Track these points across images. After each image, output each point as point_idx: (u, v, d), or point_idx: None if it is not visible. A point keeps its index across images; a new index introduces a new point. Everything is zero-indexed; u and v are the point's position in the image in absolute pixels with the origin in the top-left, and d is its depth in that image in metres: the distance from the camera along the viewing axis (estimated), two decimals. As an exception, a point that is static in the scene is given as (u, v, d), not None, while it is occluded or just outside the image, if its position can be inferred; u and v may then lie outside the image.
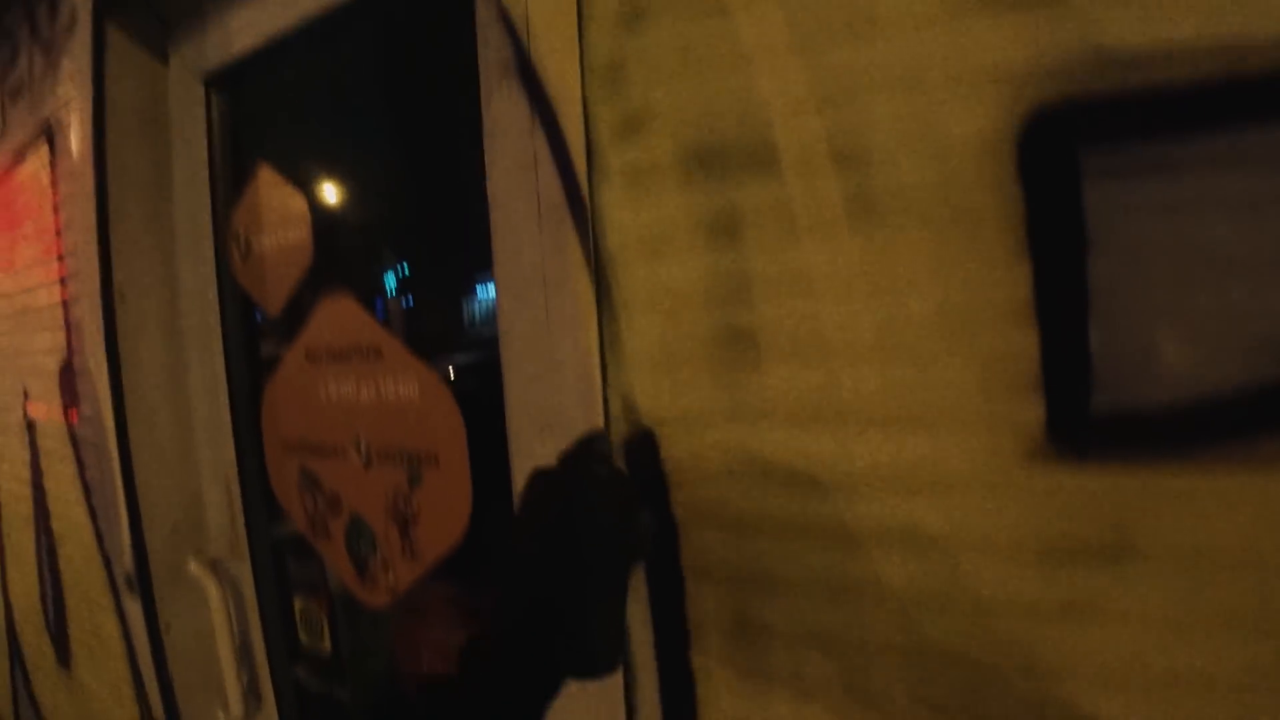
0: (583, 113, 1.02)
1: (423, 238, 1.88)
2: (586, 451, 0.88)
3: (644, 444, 0.99)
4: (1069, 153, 0.80)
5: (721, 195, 0.94)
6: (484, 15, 1.11)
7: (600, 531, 0.80)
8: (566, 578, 0.77)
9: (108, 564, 2.23)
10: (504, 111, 1.08)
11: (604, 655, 0.83)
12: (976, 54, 0.83)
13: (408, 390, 1.46)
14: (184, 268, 2.00)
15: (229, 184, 1.94)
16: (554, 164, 1.04)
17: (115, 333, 1.97)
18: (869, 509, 0.89)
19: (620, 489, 0.87)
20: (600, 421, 1.02)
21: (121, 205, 1.96)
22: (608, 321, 1.03)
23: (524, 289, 1.08)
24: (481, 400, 1.28)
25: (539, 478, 0.83)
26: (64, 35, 2.21)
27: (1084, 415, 0.79)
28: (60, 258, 2.29)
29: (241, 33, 1.79)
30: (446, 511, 1.41)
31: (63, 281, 2.26)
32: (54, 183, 2.29)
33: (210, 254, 1.96)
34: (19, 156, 2.58)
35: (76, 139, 2.06)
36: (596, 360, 1.02)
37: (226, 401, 1.97)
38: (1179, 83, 0.74)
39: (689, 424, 0.98)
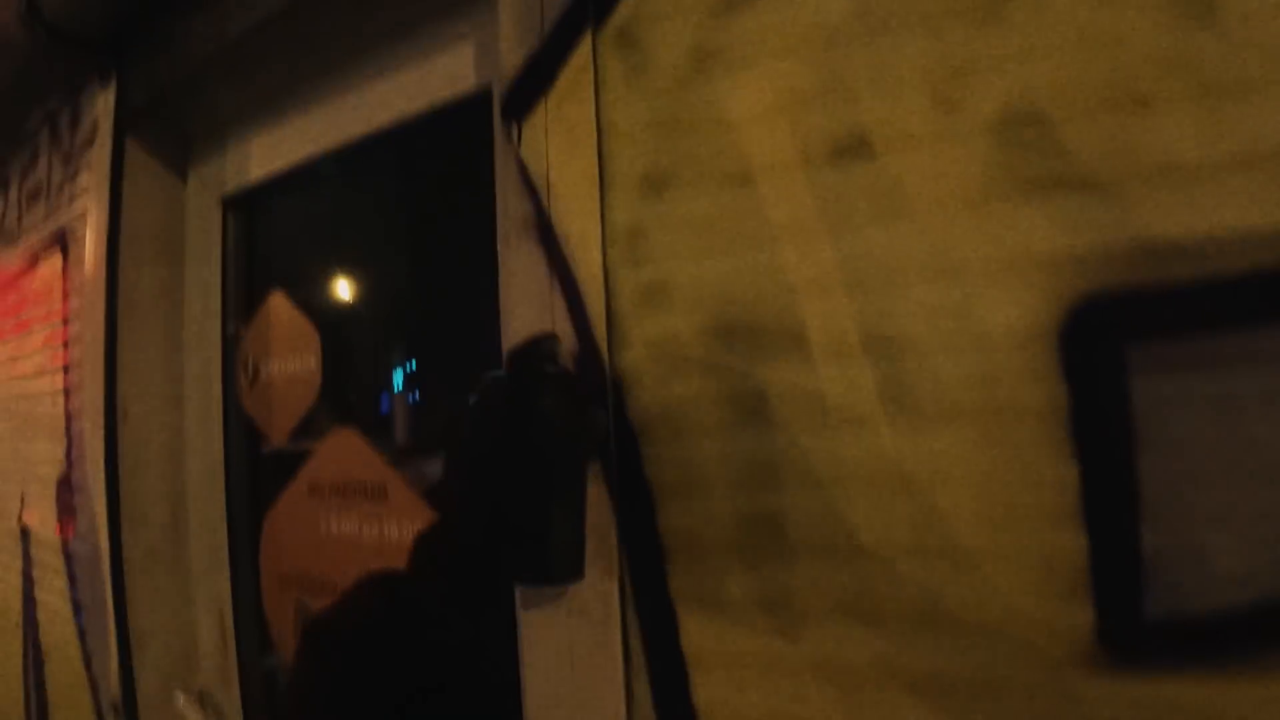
0: (603, 278, 0.99)
1: (433, 370, 1.85)
2: (535, 351, 0.85)
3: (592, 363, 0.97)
4: (1115, 346, 0.77)
5: (748, 375, 0.91)
6: (503, 169, 1.10)
7: (550, 428, 0.79)
8: (518, 476, 0.74)
9: (94, 687, 2.14)
10: (521, 267, 1.05)
11: (561, 561, 0.82)
12: (1015, 241, 0.80)
13: (412, 533, 1.40)
14: (190, 390, 1.97)
15: (241, 307, 1.92)
16: (572, 328, 1.00)
17: (116, 451, 1.93)
18: (910, 715, 0.83)
19: (569, 386, 0.85)
20: (618, 612, 0.96)
21: (130, 323, 1.94)
22: (624, 500, 0.98)
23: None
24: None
25: (489, 381, 0.80)
26: (84, 146, 2.23)
27: (1135, 620, 0.74)
28: (66, 368, 2.26)
29: (263, 157, 1.81)
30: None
31: (67, 393, 2.23)
32: (65, 293, 2.28)
33: (218, 377, 1.93)
34: (33, 261, 2.58)
35: (90, 253, 2.06)
36: (614, 544, 0.96)
37: (225, 528, 1.91)
38: (1228, 274, 0.71)
39: (711, 612, 0.93)
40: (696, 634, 0.94)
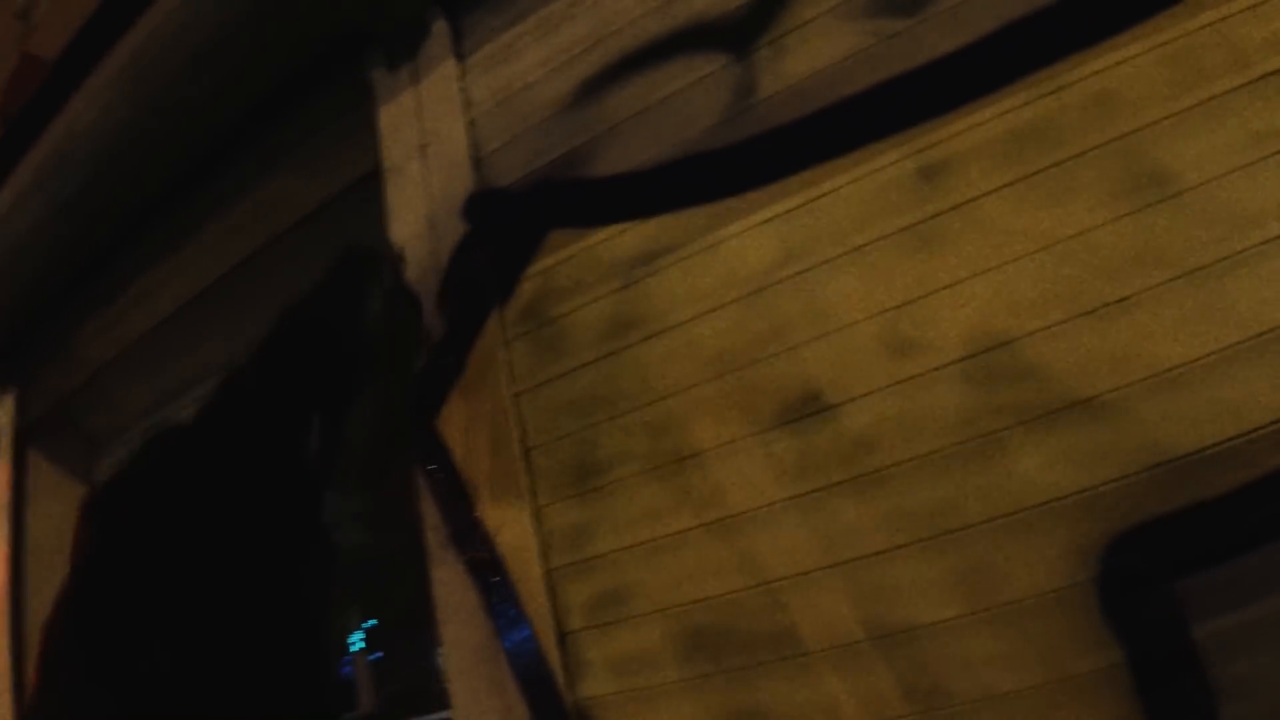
0: (547, 592, 0.84)
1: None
2: (370, 257, 0.83)
3: None
4: (1164, 587, 0.63)
5: (739, 691, 0.74)
6: (422, 483, 0.95)
7: (367, 327, 0.77)
8: (324, 367, 0.71)
9: None
10: (451, 587, 0.89)
11: (349, 466, 0.79)
12: (1020, 489, 0.66)
13: None
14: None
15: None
16: (516, 658, 0.83)
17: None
18: None
19: (400, 297, 0.82)
20: None
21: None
22: None
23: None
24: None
25: (329, 278, 0.78)
26: (-14, 462, 2.08)
27: None
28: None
29: (167, 459, 1.66)
30: None
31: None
32: (-31, 623, 2.04)
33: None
34: (-64, 585, 2.34)
35: (-6, 576, 1.86)
36: None
37: None
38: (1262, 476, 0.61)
39: None
40: None
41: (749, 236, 0.82)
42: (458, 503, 0.90)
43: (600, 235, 0.90)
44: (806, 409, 0.76)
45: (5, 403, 1.98)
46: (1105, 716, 0.63)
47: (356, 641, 1.85)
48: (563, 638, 0.83)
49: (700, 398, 0.80)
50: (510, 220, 0.96)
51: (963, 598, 0.68)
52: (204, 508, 0.50)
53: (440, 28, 1.13)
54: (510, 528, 0.87)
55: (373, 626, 1.90)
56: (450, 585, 0.89)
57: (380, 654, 1.84)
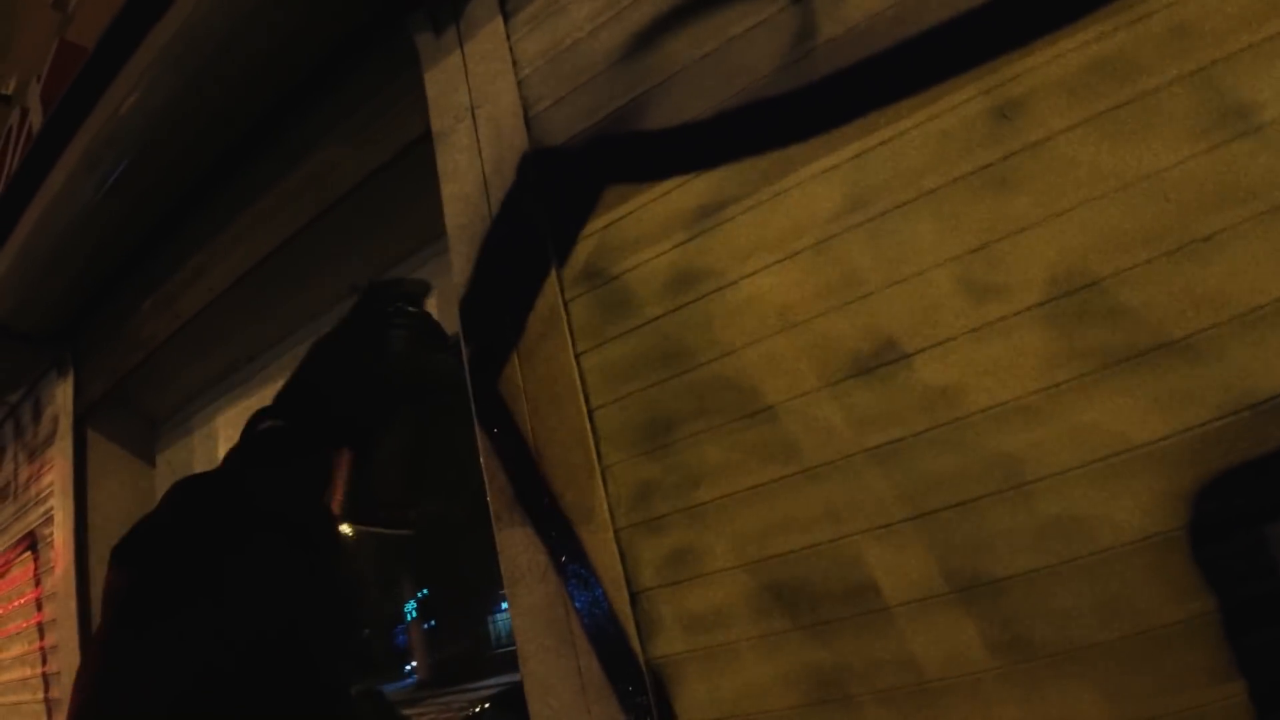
0: (618, 551, 0.83)
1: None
2: (395, 289, 0.78)
3: None
4: (1258, 533, 0.61)
5: (817, 648, 0.73)
6: (485, 445, 0.95)
7: (390, 363, 0.73)
8: (350, 402, 0.67)
9: None
10: (518, 549, 0.89)
11: (378, 499, 0.75)
12: (1106, 432, 0.64)
13: None
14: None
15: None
16: (588, 618, 0.83)
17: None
18: None
19: (423, 329, 0.77)
20: None
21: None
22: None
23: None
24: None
25: (352, 314, 0.74)
26: (46, 442, 2.12)
27: None
28: (45, 679, 2.07)
29: (230, 434, 1.68)
30: None
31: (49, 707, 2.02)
32: (39, 601, 2.11)
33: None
34: (4, 566, 2.42)
35: (60, 560, 1.90)
36: None
37: None
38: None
39: None
40: None
41: (815, 184, 0.79)
42: (522, 465, 0.90)
43: (659, 189, 0.88)
44: (882, 358, 0.74)
45: (64, 385, 2.03)
46: (1195, 666, 0.61)
47: (410, 611, 1.93)
48: (635, 597, 0.82)
49: (770, 350, 0.78)
50: (565, 178, 0.95)
51: (1048, 548, 0.66)
52: (229, 554, 0.50)
53: (485, -13, 1.11)
54: (577, 488, 0.86)
55: (425, 596, 1.95)
56: (517, 548, 0.89)
57: (434, 622, 1.90)
